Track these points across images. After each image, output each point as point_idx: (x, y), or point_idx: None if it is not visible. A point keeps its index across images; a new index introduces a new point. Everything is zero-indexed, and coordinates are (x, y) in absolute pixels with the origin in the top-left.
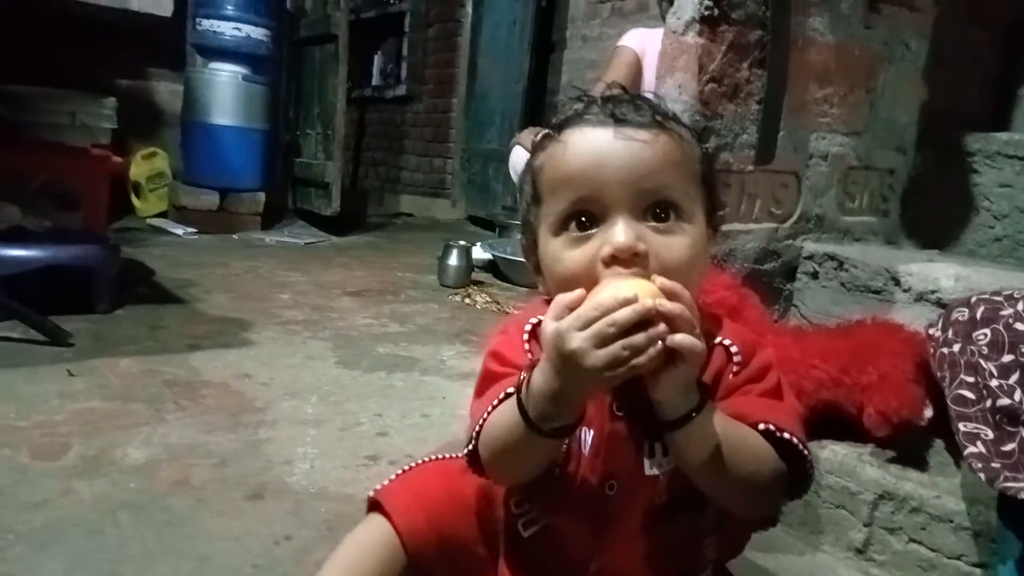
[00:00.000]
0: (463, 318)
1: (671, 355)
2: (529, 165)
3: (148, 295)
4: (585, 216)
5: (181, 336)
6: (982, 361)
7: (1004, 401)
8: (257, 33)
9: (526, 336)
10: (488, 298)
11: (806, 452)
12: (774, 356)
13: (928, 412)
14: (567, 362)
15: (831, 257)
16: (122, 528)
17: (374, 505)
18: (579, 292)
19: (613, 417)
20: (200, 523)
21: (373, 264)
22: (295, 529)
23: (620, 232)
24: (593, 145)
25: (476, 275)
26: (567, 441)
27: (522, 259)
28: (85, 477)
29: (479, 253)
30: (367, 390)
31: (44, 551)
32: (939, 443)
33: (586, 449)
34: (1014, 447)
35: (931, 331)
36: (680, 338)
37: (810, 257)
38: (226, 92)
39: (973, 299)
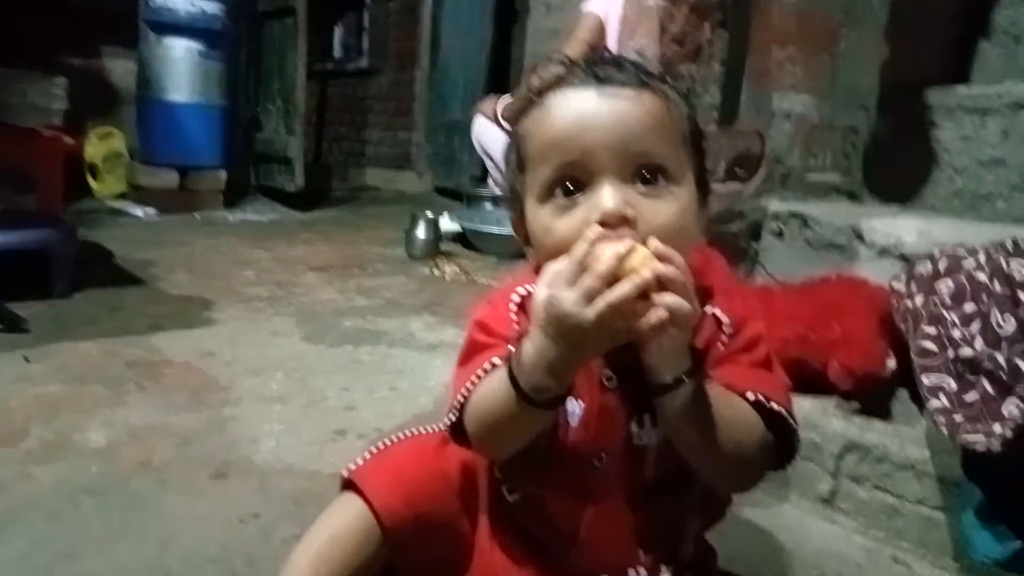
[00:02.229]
0: (431, 290)
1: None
2: (513, 132)
3: (107, 277)
4: (571, 181)
5: (142, 317)
6: (944, 312)
7: (966, 351)
8: (212, 8)
9: (513, 307)
10: (457, 269)
11: (793, 424)
12: (764, 329)
13: (891, 364)
14: (561, 326)
15: (796, 216)
16: (82, 511)
17: (348, 484)
18: (567, 262)
19: (603, 389)
20: (163, 504)
21: (338, 239)
22: (261, 507)
23: (607, 197)
24: (576, 107)
25: (445, 246)
26: (556, 413)
27: (490, 229)
28: (44, 462)
29: (447, 224)
30: (333, 365)
31: (1, 536)
32: (903, 393)
33: (575, 421)
34: (975, 397)
35: (895, 285)
36: (670, 298)
37: (775, 216)
38: (182, 68)
39: (936, 253)
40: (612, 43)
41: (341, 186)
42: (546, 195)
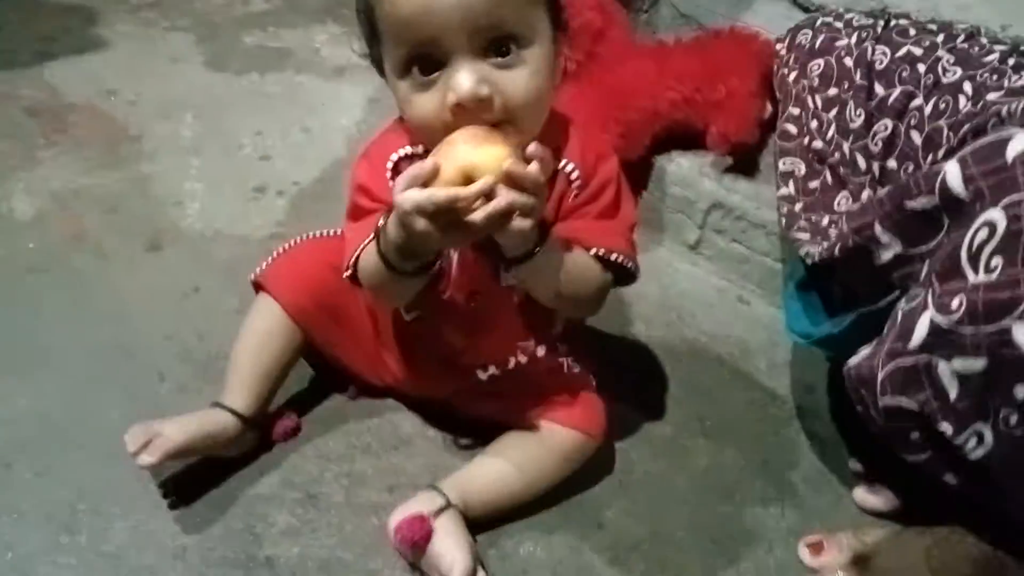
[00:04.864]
0: None
1: (506, 218)
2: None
3: None
4: (427, 59)
5: (25, 38)
6: (809, 97)
7: (818, 144)
8: None
9: (389, 173)
10: None
11: (631, 267)
12: (615, 168)
13: (768, 109)
14: (412, 233)
15: None
16: (32, 291)
17: (259, 286)
18: (430, 165)
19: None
20: (108, 282)
21: None
22: (200, 279)
23: (463, 79)
24: None
25: None
26: (438, 266)
27: None
28: None
29: None
30: (242, 100)
31: None
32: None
33: (453, 272)
34: (817, 184)
35: (777, 47)
36: (515, 196)
37: None
38: None
39: (819, 22)
40: None
41: None
42: (404, 71)
